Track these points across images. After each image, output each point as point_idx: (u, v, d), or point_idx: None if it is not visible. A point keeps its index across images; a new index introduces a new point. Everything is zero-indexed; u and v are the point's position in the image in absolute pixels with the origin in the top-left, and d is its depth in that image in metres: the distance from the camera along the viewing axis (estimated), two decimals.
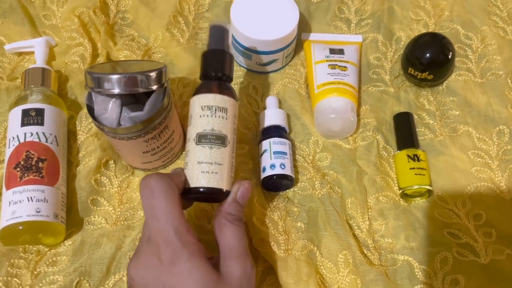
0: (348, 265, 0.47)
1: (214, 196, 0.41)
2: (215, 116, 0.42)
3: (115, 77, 0.43)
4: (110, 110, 0.45)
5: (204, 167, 0.40)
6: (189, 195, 0.41)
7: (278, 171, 0.49)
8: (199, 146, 0.41)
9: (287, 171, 0.49)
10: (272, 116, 0.53)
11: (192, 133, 0.42)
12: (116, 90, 0.43)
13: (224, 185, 0.41)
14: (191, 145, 0.42)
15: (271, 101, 0.55)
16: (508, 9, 0.63)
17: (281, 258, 0.46)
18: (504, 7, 0.64)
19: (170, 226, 0.36)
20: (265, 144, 0.51)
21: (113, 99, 0.45)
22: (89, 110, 0.46)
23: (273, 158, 0.50)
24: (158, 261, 0.35)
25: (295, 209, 0.50)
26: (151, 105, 0.45)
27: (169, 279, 0.35)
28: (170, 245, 0.35)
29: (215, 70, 0.44)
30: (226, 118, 0.42)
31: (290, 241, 0.48)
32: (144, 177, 0.38)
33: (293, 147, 0.54)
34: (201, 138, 0.42)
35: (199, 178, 0.40)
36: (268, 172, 0.49)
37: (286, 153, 0.50)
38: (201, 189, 0.40)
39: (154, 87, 0.44)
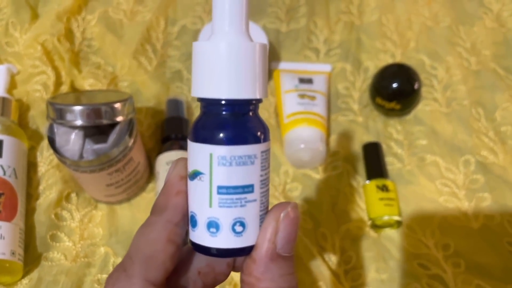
0: None
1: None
2: None
3: (78, 108, 0.42)
4: (72, 142, 0.44)
5: None
6: None
7: (226, 239, 0.21)
8: None
9: (249, 238, 0.22)
10: (222, 68, 0.21)
11: (160, 186, 0.46)
12: (79, 122, 0.42)
13: None
14: None
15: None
16: (471, 40, 0.65)
17: None
18: (467, 38, 0.65)
19: None
20: (199, 156, 0.21)
21: (76, 131, 0.44)
22: (50, 142, 0.44)
23: (216, 205, 0.21)
24: None
25: None
26: (115, 137, 0.44)
27: None
28: None
29: (175, 132, 0.51)
30: None
31: None
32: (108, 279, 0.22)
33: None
34: None
35: None
36: (202, 235, 0.22)
37: (251, 187, 0.21)
38: None
39: (119, 119, 0.43)
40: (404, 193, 0.53)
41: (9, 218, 0.44)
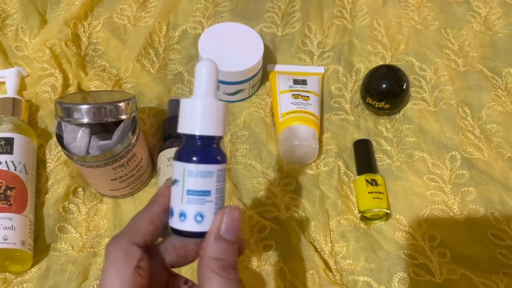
0: (314, 284, 0.48)
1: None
2: None
3: (84, 107, 0.45)
4: (79, 139, 0.47)
5: None
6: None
7: (190, 225, 0.31)
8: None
9: (205, 225, 0.31)
10: (197, 115, 0.31)
11: (162, 180, 0.50)
12: (85, 120, 0.45)
13: None
14: None
15: (203, 72, 0.31)
16: (459, 43, 0.68)
17: (252, 272, 0.48)
18: (455, 41, 0.68)
19: None
20: (177, 170, 0.32)
21: (82, 128, 0.47)
22: (59, 139, 0.47)
23: (185, 201, 0.31)
24: None
25: (265, 222, 0.52)
26: (120, 134, 0.47)
27: None
28: None
29: (176, 131, 0.54)
30: None
31: (262, 258, 0.50)
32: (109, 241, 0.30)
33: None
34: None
35: None
36: (176, 221, 0.31)
37: (209, 192, 0.31)
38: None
39: (123, 117, 0.46)
40: (393, 188, 0.56)
41: (19, 210, 0.47)
